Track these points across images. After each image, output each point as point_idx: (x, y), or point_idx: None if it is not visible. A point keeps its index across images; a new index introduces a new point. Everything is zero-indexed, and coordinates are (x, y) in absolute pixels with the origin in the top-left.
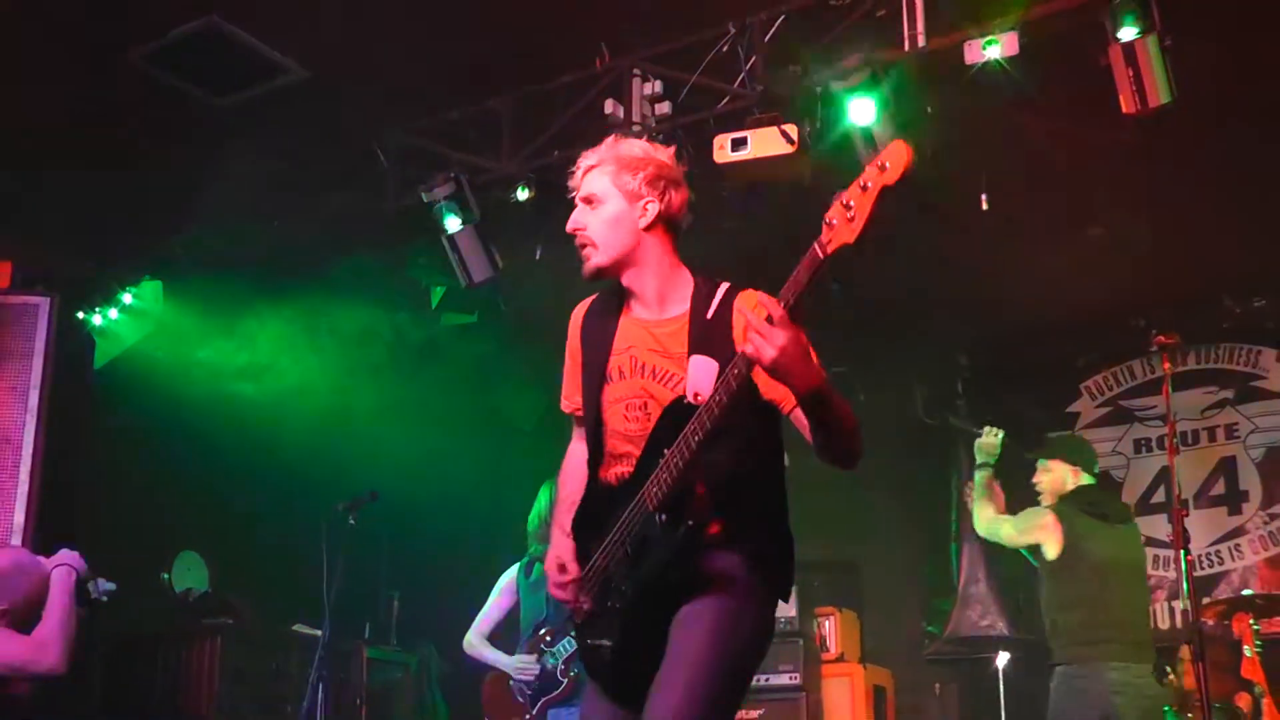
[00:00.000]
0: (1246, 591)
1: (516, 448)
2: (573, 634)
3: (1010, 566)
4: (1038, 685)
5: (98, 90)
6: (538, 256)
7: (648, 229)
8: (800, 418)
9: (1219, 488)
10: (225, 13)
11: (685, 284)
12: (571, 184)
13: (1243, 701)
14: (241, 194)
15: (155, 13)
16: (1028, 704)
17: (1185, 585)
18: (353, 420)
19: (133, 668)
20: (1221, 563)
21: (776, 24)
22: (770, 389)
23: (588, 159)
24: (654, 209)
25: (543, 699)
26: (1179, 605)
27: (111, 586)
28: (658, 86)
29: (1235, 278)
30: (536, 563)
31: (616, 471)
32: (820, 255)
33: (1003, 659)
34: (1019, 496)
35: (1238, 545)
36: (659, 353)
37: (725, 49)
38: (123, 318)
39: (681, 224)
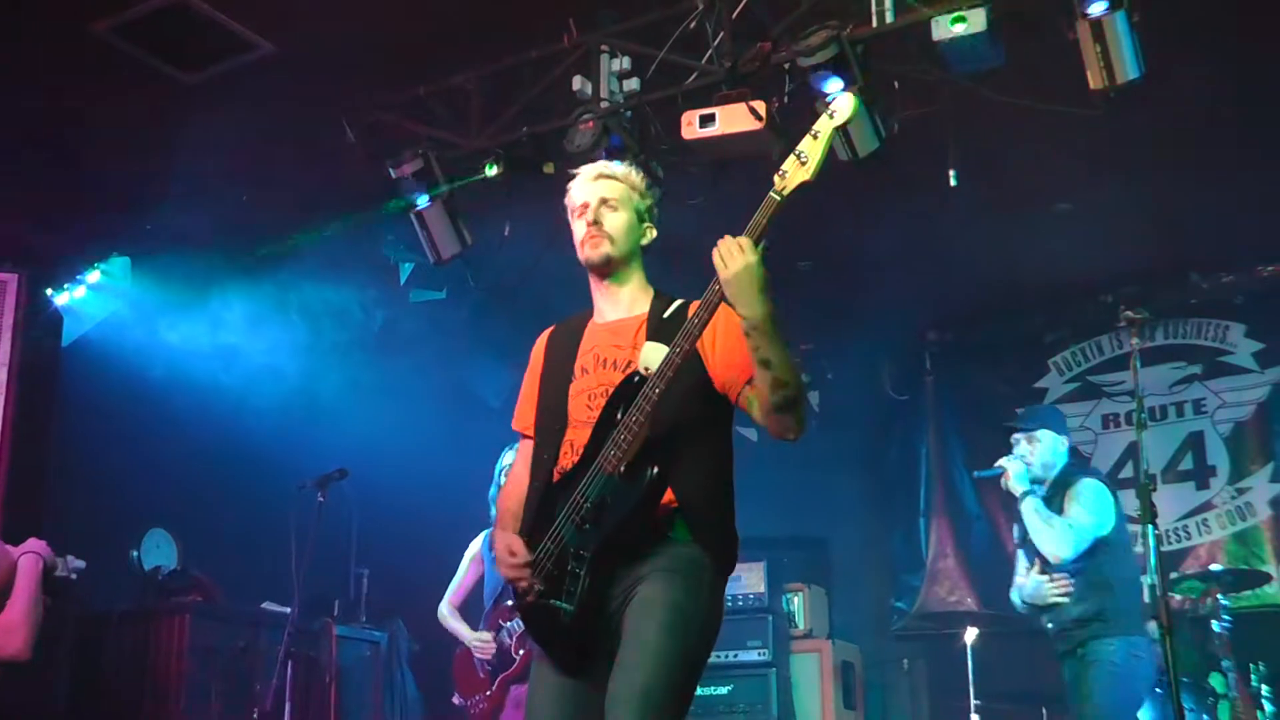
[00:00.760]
0: (1215, 567)
1: (486, 424)
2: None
3: (979, 542)
4: (1006, 660)
5: (63, 63)
6: (506, 233)
7: (643, 248)
8: (748, 395)
9: (1187, 463)
10: None
11: (649, 296)
12: (582, 177)
13: (1212, 678)
14: (209, 170)
15: None
16: (996, 679)
17: (1153, 560)
18: (321, 397)
19: (101, 645)
20: (1189, 538)
21: (744, 0)
22: (724, 371)
23: (610, 168)
24: (651, 234)
25: (500, 675)
26: (1146, 580)
27: (81, 564)
28: (625, 63)
29: (1203, 253)
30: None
31: (572, 461)
32: (776, 199)
33: (971, 634)
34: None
35: (1205, 520)
36: (618, 346)
37: (693, 25)
38: (91, 295)
39: None
